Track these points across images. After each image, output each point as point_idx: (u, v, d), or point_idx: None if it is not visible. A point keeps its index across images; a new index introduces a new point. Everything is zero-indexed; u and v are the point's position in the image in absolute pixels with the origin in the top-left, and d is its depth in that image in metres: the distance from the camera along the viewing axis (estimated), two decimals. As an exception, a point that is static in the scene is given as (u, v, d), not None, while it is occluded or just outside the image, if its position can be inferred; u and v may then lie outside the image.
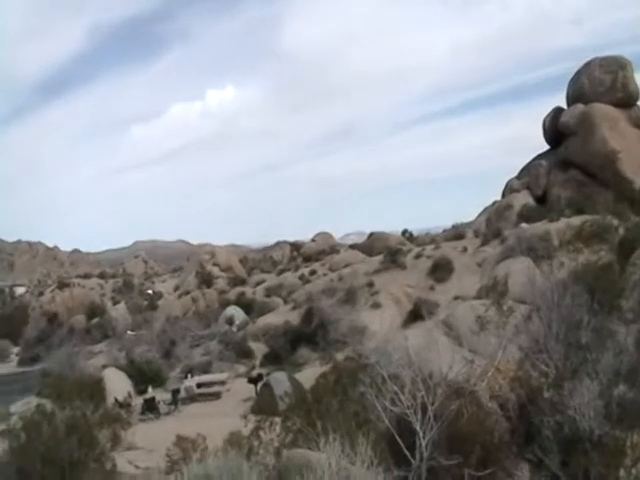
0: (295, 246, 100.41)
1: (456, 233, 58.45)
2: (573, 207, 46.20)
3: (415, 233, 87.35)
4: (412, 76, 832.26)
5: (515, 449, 11.32)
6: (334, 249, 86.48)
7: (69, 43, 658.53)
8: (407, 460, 9.89)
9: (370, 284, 46.11)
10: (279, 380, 28.01)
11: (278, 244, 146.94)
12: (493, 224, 54.06)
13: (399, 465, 9.82)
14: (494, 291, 31.81)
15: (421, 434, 9.83)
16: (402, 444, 9.93)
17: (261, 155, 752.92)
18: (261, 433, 14.81)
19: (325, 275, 61.93)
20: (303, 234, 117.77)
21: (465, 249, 48.53)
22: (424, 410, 10.05)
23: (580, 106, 55.00)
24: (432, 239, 67.20)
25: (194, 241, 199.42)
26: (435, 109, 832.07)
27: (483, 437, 10.04)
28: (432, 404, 10.08)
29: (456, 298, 39.54)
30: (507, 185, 61.36)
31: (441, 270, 44.96)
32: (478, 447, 9.86)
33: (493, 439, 10.29)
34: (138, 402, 32.30)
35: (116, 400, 31.32)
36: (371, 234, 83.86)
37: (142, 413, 30.82)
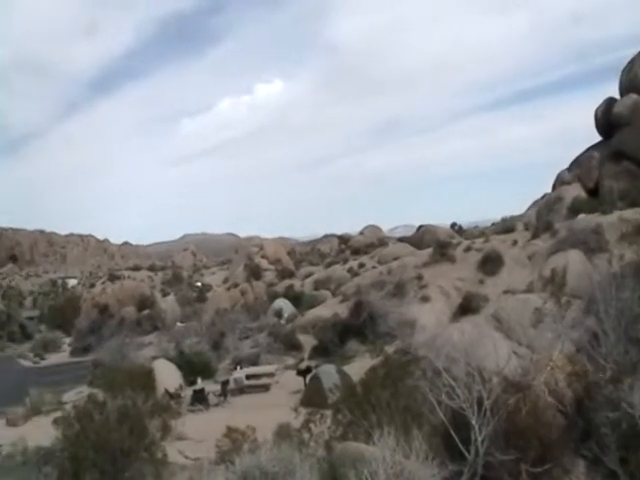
0: (343, 239, 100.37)
1: (506, 226, 57.52)
2: (626, 199, 45.27)
3: (464, 226, 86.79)
4: (461, 67, 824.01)
5: (571, 445, 11.07)
6: (382, 242, 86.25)
7: (120, 39, 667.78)
8: (462, 455, 9.73)
9: (419, 277, 45.75)
10: (328, 373, 27.96)
11: (326, 237, 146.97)
12: (543, 217, 53.26)
13: (454, 460, 9.67)
14: (552, 284, 31.27)
15: (477, 429, 9.66)
16: (457, 439, 9.78)
17: (309, 148, 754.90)
18: (311, 426, 14.76)
19: (374, 268, 61.65)
20: (351, 227, 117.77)
21: (515, 242, 47.83)
22: (480, 404, 9.88)
23: (633, 96, 53.89)
24: (481, 232, 66.42)
25: (242, 234, 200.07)
26: (485, 100, 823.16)
27: (540, 433, 9.83)
28: (488, 398, 9.90)
29: (506, 292, 39.07)
30: (558, 177, 60.48)
31: (491, 263, 44.35)
32: (535, 443, 9.66)
33: (551, 435, 10.07)
34: (188, 393, 32.53)
35: (166, 391, 31.59)
36: (420, 227, 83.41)
37: (191, 404, 31.03)
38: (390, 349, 30.66)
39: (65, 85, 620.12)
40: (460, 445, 9.75)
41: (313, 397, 25.84)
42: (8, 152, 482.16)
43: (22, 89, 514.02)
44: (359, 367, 28.30)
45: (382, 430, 9.66)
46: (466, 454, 9.69)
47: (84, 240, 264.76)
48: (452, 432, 9.91)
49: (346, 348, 37.54)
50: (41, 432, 23.84)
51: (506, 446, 9.61)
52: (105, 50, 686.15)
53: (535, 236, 47.80)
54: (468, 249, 48.31)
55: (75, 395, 37.44)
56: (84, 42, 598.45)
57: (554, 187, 60.23)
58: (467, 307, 38.89)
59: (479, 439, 9.63)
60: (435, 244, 52.48)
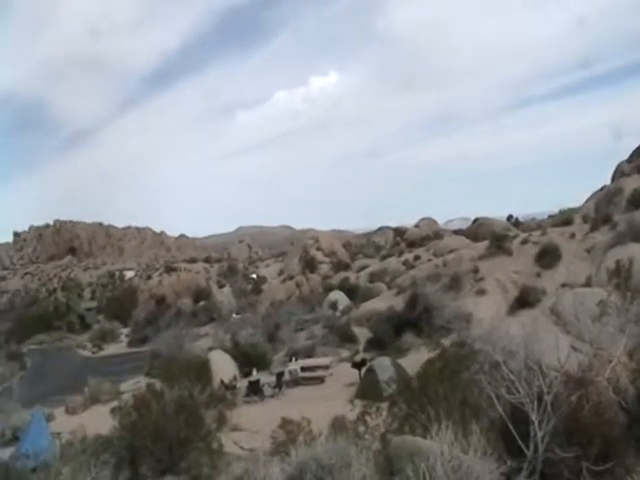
0: (398, 231, 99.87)
1: (563, 219, 56.60)
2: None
3: (521, 219, 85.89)
4: (518, 57, 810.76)
5: (634, 444, 10.79)
6: (438, 235, 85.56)
7: (177, 32, 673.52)
8: (521, 450, 9.53)
9: (475, 270, 45.30)
10: (383, 365, 27.83)
11: (381, 229, 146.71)
12: (602, 209, 52.34)
13: (512, 455, 9.48)
14: (616, 277, 30.69)
15: (537, 424, 9.46)
16: (516, 434, 9.59)
17: (364, 140, 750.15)
18: (367, 418, 14.70)
19: (429, 261, 61.25)
20: (406, 219, 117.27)
21: (573, 235, 47.04)
22: (540, 399, 9.68)
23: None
24: (538, 225, 65.68)
25: (297, 226, 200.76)
26: (542, 91, 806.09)
27: (603, 430, 9.58)
28: (548, 393, 9.70)
29: (564, 285, 38.53)
30: (617, 168, 59.46)
31: (548, 256, 43.64)
32: (597, 440, 9.42)
33: (613, 432, 9.81)
34: (243, 384, 32.74)
35: (222, 382, 31.88)
36: (476, 220, 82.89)
37: (247, 395, 31.22)
38: (446, 342, 30.45)
39: (122, 80, 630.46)
40: (519, 441, 9.56)
41: (368, 390, 25.77)
42: (67, 147, 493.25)
43: (80, 85, 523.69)
44: (414, 360, 28.15)
45: (439, 424, 9.55)
46: (525, 450, 9.50)
47: (141, 233, 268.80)
48: (511, 427, 9.73)
49: (401, 341, 37.28)
50: (99, 421, 24.33)
51: (567, 443, 9.38)
52: (162, 44, 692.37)
53: (594, 229, 47.00)
54: (525, 242, 47.69)
55: (133, 385, 38.01)
56: (141, 36, 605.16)
57: (613, 178, 59.28)
58: (524, 301, 38.42)
59: (539, 435, 9.43)
60: (491, 237, 51.91)
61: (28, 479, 13.28)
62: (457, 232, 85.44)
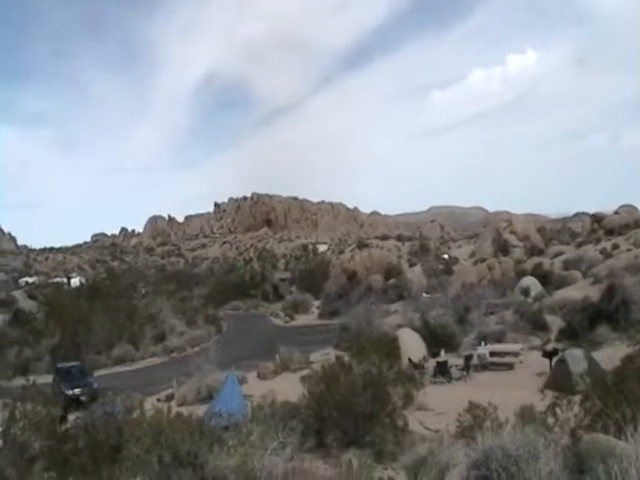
0: (596, 218, 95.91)
1: None
2: None
3: None
4: None
5: None
6: (639, 223, 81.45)
7: (372, 13, 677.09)
8: None
9: (680, 263, 42.86)
10: (576, 357, 26.91)
11: (577, 215, 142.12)
12: None
13: None
14: None
15: None
16: None
17: (562, 122, 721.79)
18: (557, 410, 14.28)
19: (629, 250, 58.71)
20: (605, 206, 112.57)
21: None
22: None
23: None
24: None
25: (491, 208, 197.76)
26: None
27: None
28: None
29: None
30: None
31: None
32: None
33: None
34: (431, 364, 32.76)
35: (410, 360, 32.09)
36: (681, 209, 78.10)
37: (434, 376, 31.22)
38: (646, 338, 29.06)
39: (319, 59, 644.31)
40: None
41: (558, 381, 25.05)
42: (266, 123, 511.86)
43: (279, 64, 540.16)
44: (608, 355, 27.11)
45: (636, 425, 9.14)
46: None
47: (334, 208, 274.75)
48: None
49: (595, 333, 35.79)
50: (288, 388, 25.28)
51: None
52: (357, 25, 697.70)
53: None
54: None
55: (322, 356, 39.02)
56: (338, 17, 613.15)
57: None
58: None
59: None
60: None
61: (221, 437, 13.98)
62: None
